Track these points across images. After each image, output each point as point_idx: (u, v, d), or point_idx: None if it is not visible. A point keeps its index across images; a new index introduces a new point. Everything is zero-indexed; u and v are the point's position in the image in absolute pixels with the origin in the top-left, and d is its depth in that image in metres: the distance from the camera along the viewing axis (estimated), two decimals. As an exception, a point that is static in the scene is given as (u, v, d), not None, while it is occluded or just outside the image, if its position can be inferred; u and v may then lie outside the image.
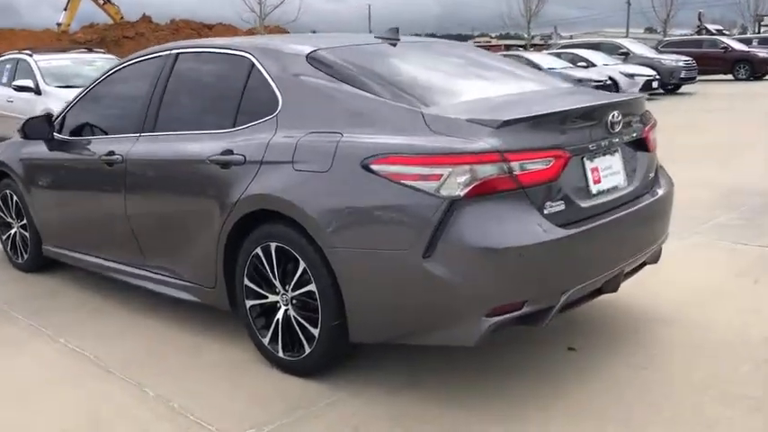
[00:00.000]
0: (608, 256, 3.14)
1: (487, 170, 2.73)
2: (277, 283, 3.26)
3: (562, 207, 2.91)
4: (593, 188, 3.11)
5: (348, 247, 2.93)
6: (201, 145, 3.55)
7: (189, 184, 3.60)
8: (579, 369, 3.32)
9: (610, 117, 3.14)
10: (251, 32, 32.10)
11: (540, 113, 2.93)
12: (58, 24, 37.28)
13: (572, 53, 19.46)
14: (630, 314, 3.92)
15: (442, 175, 2.72)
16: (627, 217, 3.20)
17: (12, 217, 5.18)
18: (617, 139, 3.23)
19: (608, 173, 3.22)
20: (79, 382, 3.38)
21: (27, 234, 5.02)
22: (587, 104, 3.17)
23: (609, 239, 3.12)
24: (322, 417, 2.96)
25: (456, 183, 2.71)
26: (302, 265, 3.10)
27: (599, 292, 3.25)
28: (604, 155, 3.21)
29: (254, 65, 3.52)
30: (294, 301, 3.21)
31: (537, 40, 59.52)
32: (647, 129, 3.50)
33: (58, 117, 4.72)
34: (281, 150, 3.18)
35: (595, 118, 3.12)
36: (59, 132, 4.63)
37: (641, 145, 3.47)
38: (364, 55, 3.56)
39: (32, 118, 4.79)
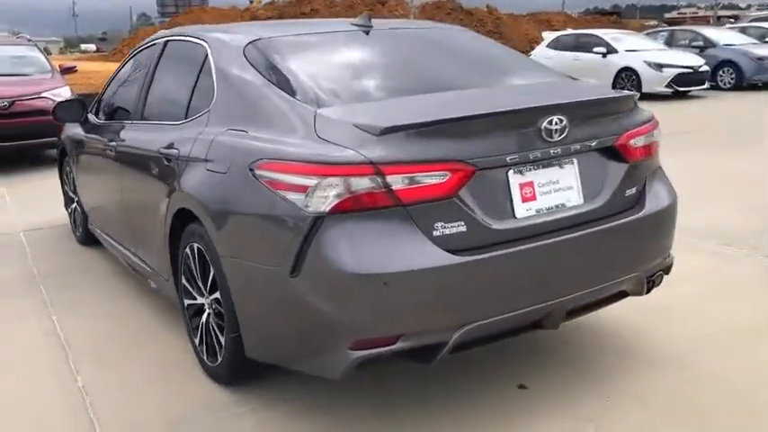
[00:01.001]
0: (535, 287, 2.64)
1: (358, 184, 2.39)
2: (201, 285, 3.15)
3: (462, 229, 2.48)
4: (521, 207, 2.63)
5: (235, 256, 2.75)
6: (159, 136, 3.51)
7: (147, 175, 3.58)
8: (529, 409, 2.88)
9: (544, 123, 2.62)
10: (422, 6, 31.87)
11: (432, 119, 2.49)
12: (251, 1, 39.28)
13: (763, 28, 17.25)
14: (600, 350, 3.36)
15: (308, 187, 2.44)
16: (574, 241, 2.68)
17: (72, 191, 5.53)
18: (562, 149, 2.70)
19: (550, 189, 2.71)
20: (29, 361, 3.52)
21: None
22: (503, 109, 2.63)
23: (539, 267, 2.63)
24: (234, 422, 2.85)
25: (322, 196, 2.41)
26: (212, 269, 2.96)
27: (537, 325, 2.78)
28: (546, 167, 2.71)
29: (206, 55, 3.40)
30: (213, 307, 3.09)
31: (754, 12, 53.78)
32: (624, 134, 2.90)
33: (95, 100, 4.93)
34: (201, 147, 3.04)
35: (523, 124, 2.62)
36: (96, 115, 4.83)
37: (615, 154, 2.89)
38: (303, 47, 3.30)
39: (64, 101, 5.04)
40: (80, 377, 3.31)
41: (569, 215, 2.73)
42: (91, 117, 4.83)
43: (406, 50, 3.47)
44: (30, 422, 2.97)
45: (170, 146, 3.31)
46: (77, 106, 4.88)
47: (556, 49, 16.04)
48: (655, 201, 3.00)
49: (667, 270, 3.22)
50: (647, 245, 2.99)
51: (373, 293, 2.39)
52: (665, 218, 3.05)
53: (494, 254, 2.51)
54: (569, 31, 19.15)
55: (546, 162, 2.69)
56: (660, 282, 3.19)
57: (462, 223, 2.48)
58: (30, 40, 12.63)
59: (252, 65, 3.08)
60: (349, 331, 2.43)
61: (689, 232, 4.63)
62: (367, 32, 3.51)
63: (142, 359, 3.48)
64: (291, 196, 2.47)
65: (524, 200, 2.64)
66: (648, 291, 3.13)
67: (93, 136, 4.67)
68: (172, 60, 3.87)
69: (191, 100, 3.40)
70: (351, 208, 2.40)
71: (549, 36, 17.79)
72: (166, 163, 3.31)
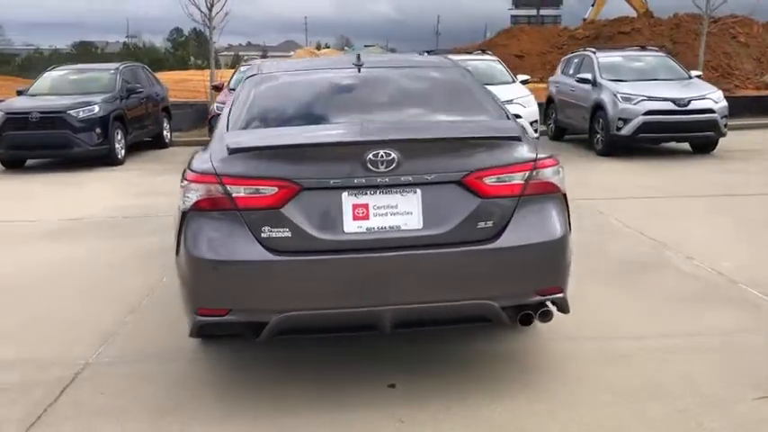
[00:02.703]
0: (355, 291, 3.09)
1: (207, 190, 3.13)
2: None
3: (287, 234, 3.07)
4: (352, 224, 3.10)
5: None
6: None
7: None
8: (394, 407, 3.32)
9: (369, 155, 3.06)
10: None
11: (266, 145, 3.14)
12: (584, 20, 39.33)
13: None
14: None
15: (184, 189, 3.26)
16: (404, 259, 3.08)
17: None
18: (391, 179, 3.09)
19: (387, 212, 3.13)
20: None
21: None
22: (328, 141, 3.13)
23: (363, 276, 3.08)
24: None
25: (188, 197, 3.20)
26: None
27: (371, 327, 3.21)
28: (385, 193, 3.13)
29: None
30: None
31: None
32: (475, 172, 3.16)
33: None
34: None
35: (350, 155, 3.09)
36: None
37: (465, 189, 3.17)
38: (281, 81, 4.07)
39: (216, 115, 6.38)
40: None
41: (404, 236, 3.11)
42: None
43: (359, 87, 3.98)
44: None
45: None
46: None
47: None
48: (517, 236, 3.18)
49: (562, 308, 3.35)
50: (499, 276, 3.19)
51: (207, 274, 3.12)
52: (530, 254, 3.20)
53: (312, 258, 3.06)
54: None
55: (385, 189, 3.12)
56: (547, 318, 3.34)
57: (287, 230, 3.07)
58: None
59: (235, 92, 3.98)
60: (194, 300, 3.19)
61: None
62: (359, 70, 4.12)
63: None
64: (182, 196, 3.31)
65: (356, 218, 3.11)
66: (526, 323, 3.32)
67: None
68: None
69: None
70: (202, 208, 3.15)
71: None
72: None
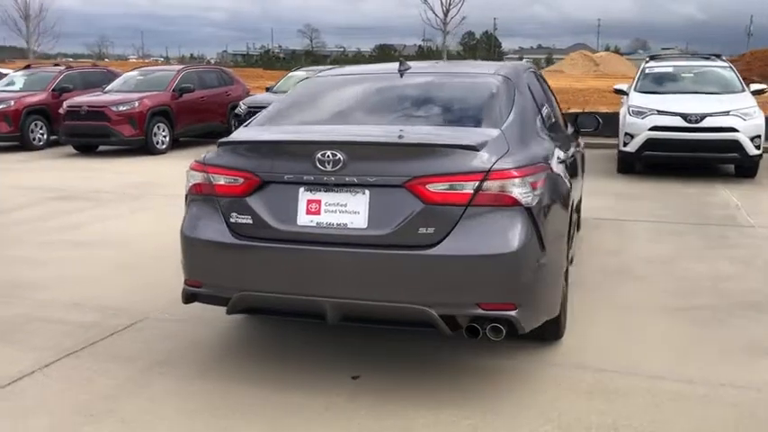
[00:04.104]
0: (302, 280, 3.32)
1: (197, 177, 3.61)
2: None
3: (249, 221, 3.42)
4: (304, 218, 3.35)
5: None
6: None
7: None
8: (356, 397, 3.53)
9: (318, 155, 3.27)
10: None
11: (236, 140, 3.51)
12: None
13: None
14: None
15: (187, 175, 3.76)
16: (346, 255, 3.26)
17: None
18: (336, 178, 3.28)
19: (336, 209, 3.32)
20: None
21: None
22: (283, 139, 3.36)
23: (309, 267, 3.32)
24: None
25: (188, 183, 3.70)
26: None
27: (320, 316, 3.42)
28: (337, 192, 3.32)
29: None
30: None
31: None
32: (419, 178, 3.19)
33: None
34: None
35: (300, 154, 3.33)
36: None
37: (409, 194, 3.22)
38: (328, 81, 4.48)
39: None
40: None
41: (348, 234, 3.29)
42: None
43: (380, 93, 4.18)
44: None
45: None
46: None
47: None
48: (457, 245, 3.17)
49: (514, 327, 3.26)
50: (435, 284, 3.20)
51: (189, 249, 3.60)
52: (471, 265, 3.17)
53: (266, 244, 3.38)
54: None
55: (337, 187, 3.33)
56: (498, 335, 3.28)
57: (249, 217, 3.43)
58: None
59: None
60: (184, 272, 3.69)
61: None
62: (401, 75, 4.32)
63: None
64: (186, 181, 3.80)
65: (309, 213, 3.36)
66: (473, 336, 3.29)
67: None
68: None
69: None
70: (195, 192, 3.64)
71: None
72: None
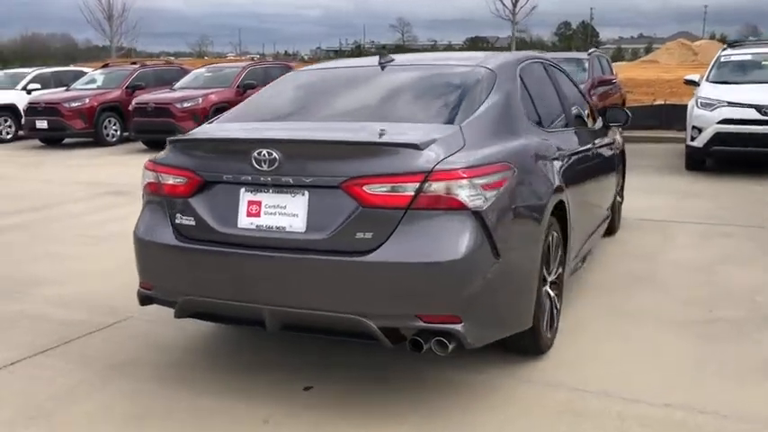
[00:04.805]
0: (241, 286, 3.16)
1: (151, 176, 3.50)
2: None
3: (192, 223, 3.28)
4: (245, 220, 3.18)
5: None
6: None
7: None
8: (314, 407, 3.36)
9: (254, 154, 3.08)
10: None
11: (178, 138, 3.36)
12: None
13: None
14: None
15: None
16: (284, 261, 3.07)
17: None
18: (273, 178, 3.10)
19: (276, 211, 3.13)
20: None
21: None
22: (220, 137, 3.17)
23: (247, 273, 3.15)
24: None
25: (142, 183, 3.61)
26: None
27: (261, 324, 3.25)
28: (277, 193, 3.14)
29: None
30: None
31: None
32: (355, 179, 2.96)
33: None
34: None
35: (238, 153, 3.15)
36: None
37: (346, 196, 2.99)
38: (306, 76, 4.32)
39: None
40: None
41: (286, 238, 3.10)
42: None
43: (357, 86, 3.99)
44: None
45: None
46: None
47: None
48: (395, 252, 2.93)
49: (460, 342, 3.00)
50: (372, 293, 2.96)
51: (138, 251, 3.51)
52: (409, 274, 2.91)
53: (206, 248, 3.24)
54: None
55: (276, 188, 3.14)
56: (443, 349, 3.02)
57: (192, 219, 3.29)
58: None
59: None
60: (138, 273, 3.60)
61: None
62: (382, 68, 4.08)
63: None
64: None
65: (249, 215, 3.19)
66: (415, 349, 3.04)
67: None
68: None
69: None
70: (148, 192, 3.53)
71: None
72: None
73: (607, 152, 5.65)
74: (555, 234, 3.76)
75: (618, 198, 6.45)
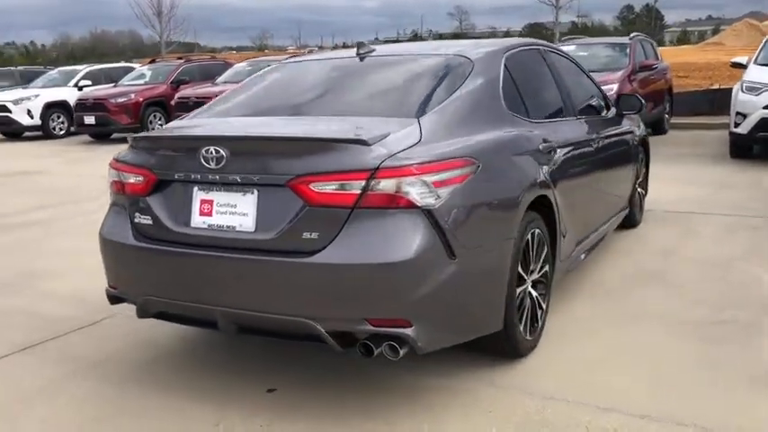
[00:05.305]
0: (195, 286, 3.09)
1: (114, 175, 3.46)
2: None
3: (150, 222, 3.22)
4: (197, 219, 3.10)
5: None
6: None
7: None
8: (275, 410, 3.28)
9: (202, 152, 2.99)
10: None
11: (136, 136, 3.29)
12: None
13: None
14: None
15: None
16: (233, 262, 2.98)
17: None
18: (220, 176, 3.00)
19: (227, 210, 3.04)
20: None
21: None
22: (172, 135, 3.07)
23: (199, 274, 3.07)
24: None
25: (108, 181, 3.57)
26: None
27: (210, 324, 3.18)
28: (228, 191, 3.05)
29: None
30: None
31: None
32: (301, 177, 2.84)
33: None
34: None
35: (188, 150, 3.06)
36: None
37: (293, 194, 2.87)
38: (283, 69, 4.20)
39: None
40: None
41: (237, 238, 3.01)
42: None
43: (327, 80, 3.85)
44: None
45: None
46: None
47: None
48: (340, 253, 2.80)
49: (411, 346, 2.85)
50: (318, 296, 2.84)
51: (102, 251, 3.47)
52: (355, 276, 2.78)
53: (160, 247, 3.18)
54: None
55: (227, 187, 3.05)
56: (394, 354, 2.87)
57: (149, 218, 3.23)
58: None
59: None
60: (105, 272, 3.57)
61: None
62: (361, 59, 3.95)
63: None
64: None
65: (202, 214, 3.11)
66: (366, 354, 2.91)
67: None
68: None
69: None
70: (113, 191, 3.50)
71: None
72: None
73: (621, 142, 5.37)
74: (537, 231, 3.56)
75: (640, 190, 6.14)
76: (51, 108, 16.83)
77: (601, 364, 3.50)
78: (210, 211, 3.10)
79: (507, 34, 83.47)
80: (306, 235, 2.86)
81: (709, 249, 5.38)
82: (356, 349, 2.92)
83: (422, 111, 3.20)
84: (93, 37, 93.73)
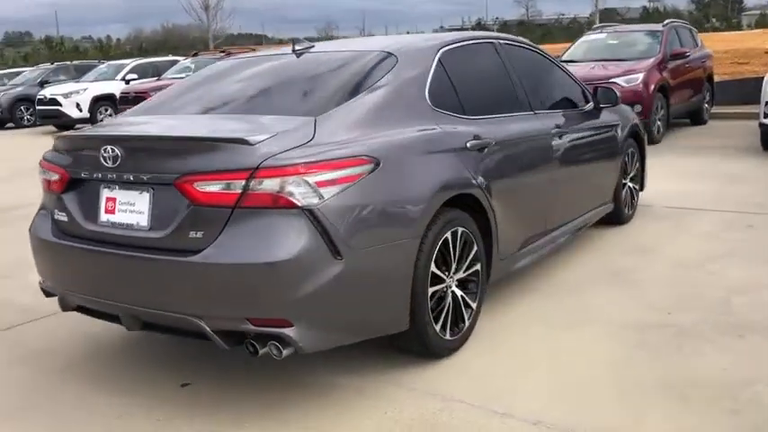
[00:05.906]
0: (100, 282, 3.18)
1: (41, 172, 3.57)
2: None
3: (65, 219, 3.32)
4: (103, 216, 3.18)
5: None
6: None
7: None
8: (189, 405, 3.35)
9: (102, 151, 3.06)
10: None
11: (61, 135, 3.40)
12: None
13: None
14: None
15: None
16: (126, 259, 3.05)
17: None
18: (117, 175, 3.08)
19: (127, 208, 3.11)
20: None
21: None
22: (77, 134, 3.15)
23: (101, 270, 3.17)
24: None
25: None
26: None
27: (117, 320, 3.25)
28: (128, 189, 3.11)
29: None
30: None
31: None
32: (185, 176, 2.88)
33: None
34: None
35: (91, 149, 3.15)
36: None
37: (180, 193, 2.91)
38: (225, 67, 4.23)
39: None
40: None
41: (133, 236, 3.08)
42: None
43: (249, 77, 3.86)
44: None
45: None
46: None
47: None
48: (220, 252, 2.82)
49: (294, 347, 2.87)
50: (201, 295, 2.88)
51: (31, 246, 3.60)
52: (235, 275, 2.81)
53: (70, 244, 3.28)
54: None
55: (124, 185, 3.12)
56: (277, 353, 2.89)
57: (65, 215, 3.34)
58: None
59: None
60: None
61: None
62: (297, 56, 3.96)
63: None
64: None
65: (107, 211, 3.19)
66: (252, 353, 2.94)
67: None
68: None
69: None
70: (44, 188, 3.60)
71: None
72: None
73: (597, 135, 5.21)
74: (461, 230, 3.50)
75: (631, 185, 5.94)
76: (99, 101, 17.45)
77: (519, 368, 3.42)
78: (114, 209, 3.18)
79: (574, 21, 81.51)
80: (192, 234, 2.90)
81: (690, 249, 5.17)
82: (244, 347, 2.95)
83: (323, 109, 3.19)
84: (164, 30, 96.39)
